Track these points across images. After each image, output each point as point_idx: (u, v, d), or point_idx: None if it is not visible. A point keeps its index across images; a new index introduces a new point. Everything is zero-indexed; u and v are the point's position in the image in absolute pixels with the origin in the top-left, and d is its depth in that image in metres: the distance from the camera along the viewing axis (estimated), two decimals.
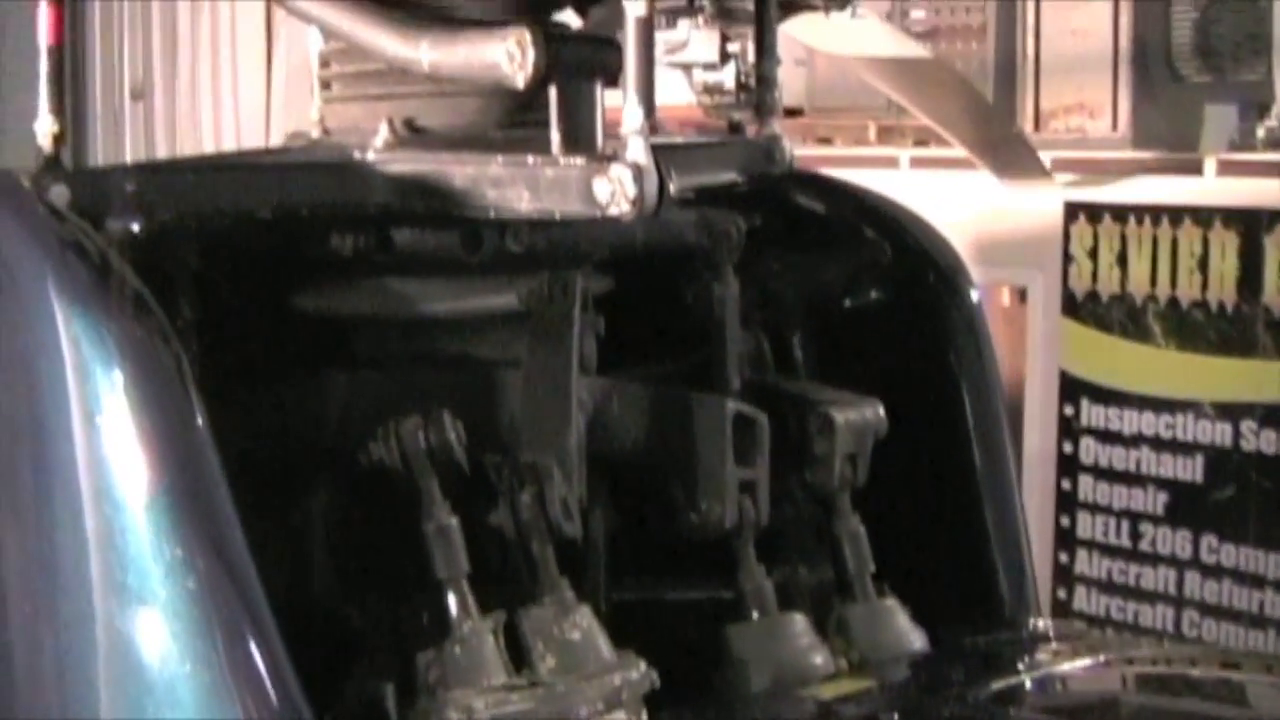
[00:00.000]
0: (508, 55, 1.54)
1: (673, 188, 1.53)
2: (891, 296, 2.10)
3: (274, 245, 1.71)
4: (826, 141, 6.67)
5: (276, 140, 8.42)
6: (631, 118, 1.49)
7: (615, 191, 1.50)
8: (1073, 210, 6.23)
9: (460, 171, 1.60)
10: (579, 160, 1.55)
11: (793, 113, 6.54)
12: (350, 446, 1.69)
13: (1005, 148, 6.09)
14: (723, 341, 1.86)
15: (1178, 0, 6.32)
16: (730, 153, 1.90)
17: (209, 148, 8.29)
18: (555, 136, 1.61)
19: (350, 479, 1.70)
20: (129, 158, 8.14)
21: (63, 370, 1.34)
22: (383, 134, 1.69)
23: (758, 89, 1.94)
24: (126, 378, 1.32)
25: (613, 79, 1.60)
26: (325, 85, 1.82)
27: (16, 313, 1.40)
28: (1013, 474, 2.10)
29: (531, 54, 1.53)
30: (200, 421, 1.35)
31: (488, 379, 1.73)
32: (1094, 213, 6.19)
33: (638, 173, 1.49)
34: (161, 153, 8.07)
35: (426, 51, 1.58)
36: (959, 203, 6.36)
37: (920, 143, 6.47)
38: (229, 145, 8.41)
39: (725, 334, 1.86)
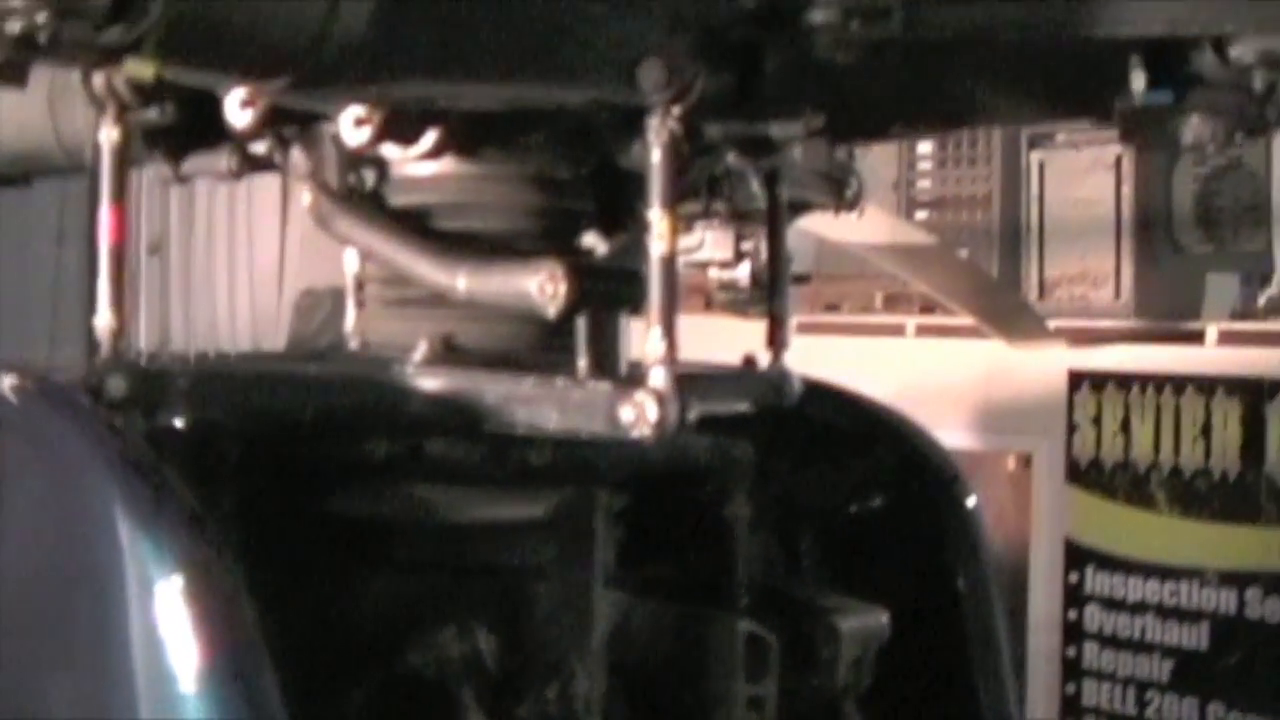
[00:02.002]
0: (539, 287, 1.62)
1: (691, 415, 1.60)
2: (894, 504, 2.18)
3: (313, 448, 1.78)
4: (834, 308, 6.75)
5: (290, 296, 8.52)
6: (654, 347, 1.57)
7: (638, 416, 1.58)
8: (1076, 378, 6.30)
9: (493, 389, 1.68)
10: (605, 385, 1.62)
11: (800, 279, 6.62)
12: (383, 649, 1.74)
13: (1012, 315, 6.17)
14: (733, 560, 1.93)
15: (1179, 171, 6.40)
16: (743, 384, 1.98)
17: (223, 303, 8.39)
18: (582, 361, 1.68)
19: (384, 681, 1.75)
20: (144, 311, 8.24)
21: (124, 579, 1.41)
22: (421, 350, 1.76)
23: (770, 327, 2.04)
24: (183, 590, 1.39)
25: (636, 309, 1.67)
26: (360, 305, 1.89)
27: (81, 524, 1.47)
28: (1011, 678, 2.16)
29: (563, 286, 1.61)
30: (251, 633, 1.41)
31: (514, 586, 1.79)
32: (1097, 381, 6.26)
33: (659, 399, 1.57)
34: (176, 307, 8.17)
35: (464, 280, 1.67)
36: (965, 370, 6.44)
37: (926, 310, 6.55)
38: (242, 302, 8.51)
39: (735, 553, 1.93)
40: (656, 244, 1.55)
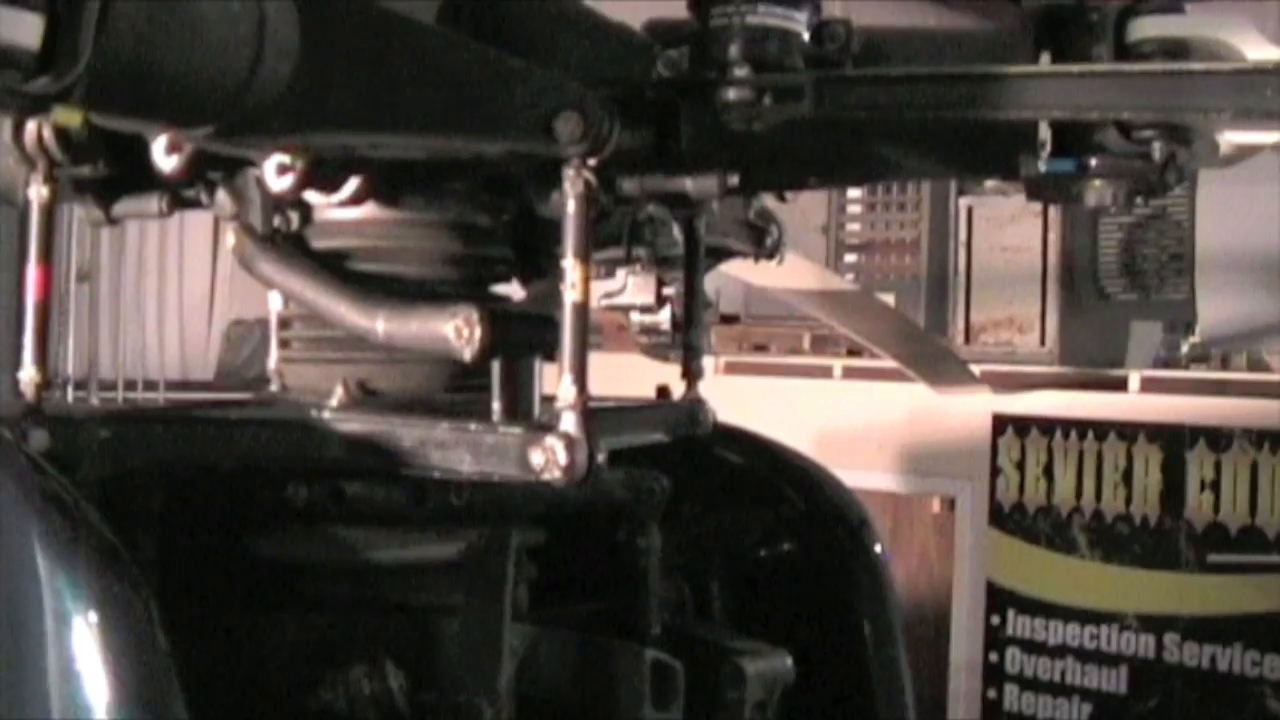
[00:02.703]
0: (456, 331, 1.64)
1: (601, 457, 1.63)
2: (803, 548, 2.20)
3: (232, 493, 1.79)
4: (762, 349, 6.81)
5: (220, 326, 8.49)
6: (566, 392, 1.60)
7: (549, 460, 1.61)
8: (1001, 423, 6.37)
9: (409, 434, 1.70)
10: (517, 429, 1.65)
11: (729, 319, 6.67)
12: (296, 686, 1.76)
13: (936, 361, 6.23)
14: (645, 591, 1.95)
15: (1104, 221, 6.49)
16: (657, 415, 2.01)
17: (152, 332, 8.35)
18: (496, 405, 1.71)
19: (296, 718, 1.76)
20: (72, 338, 8.20)
21: (41, 614, 1.42)
22: (338, 394, 1.78)
23: (685, 355, 2.06)
24: (98, 625, 1.41)
25: (550, 354, 1.70)
26: (284, 344, 1.91)
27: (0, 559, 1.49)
28: None
29: (478, 331, 1.64)
30: (168, 669, 1.43)
31: (426, 624, 1.81)
32: (1021, 426, 6.33)
33: (569, 444, 1.60)
34: (105, 334, 8.13)
35: (382, 324, 1.69)
36: (891, 413, 6.50)
37: (853, 353, 6.61)
38: (172, 331, 8.47)
39: (647, 584, 1.96)
40: (569, 292, 1.58)
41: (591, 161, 1.60)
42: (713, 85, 1.69)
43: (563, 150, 1.59)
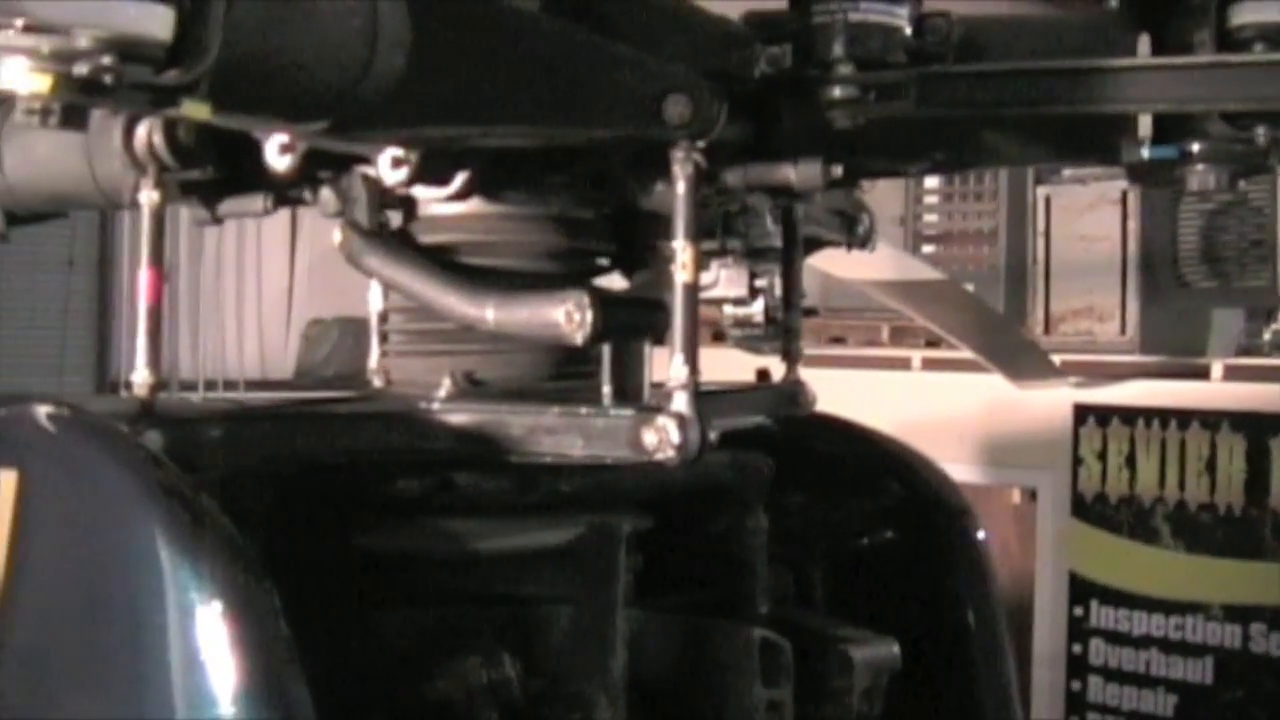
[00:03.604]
0: (567, 316, 1.66)
1: (713, 436, 1.65)
2: (905, 536, 2.21)
3: (343, 488, 1.82)
4: (839, 341, 6.78)
5: (298, 325, 8.54)
6: (677, 372, 1.62)
7: (662, 440, 1.63)
8: (1082, 413, 6.33)
9: (518, 421, 1.72)
10: (628, 411, 1.67)
11: (807, 313, 6.63)
12: (411, 676, 1.78)
13: (1016, 352, 6.20)
14: (751, 573, 1.97)
15: (1184, 208, 6.43)
16: (760, 397, 2.02)
17: (231, 332, 8.42)
18: (606, 389, 1.73)
19: (412, 707, 1.79)
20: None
21: (165, 606, 1.45)
22: (445, 386, 1.80)
23: (784, 337, 2.07)
24: (223, 614, 1.43)
25: (659, 337, 1.72)
26: (385, 338, 1.93)
27: (122, 554, 1.51)
28: (1019, 708, 2.20)
29: (589, 315, 1.66)
30: (291, 657, 1.45)
31: (538, 613, 1.84)
32: (1103, 416, 6.29)
33: (682, 423, 1.62)
34: (184, 335, 8.21)
35: (492, 312, 1.71)
36: (970, 404, 6.47)
37: (932, 344, 6.58)
38: (250, 329, 8.54)
39: (754, 566, 1.97)
40: (680, 274, 1.61)
41: (700, 144, 1.62)
42: (816, 82, 1.70)
43: (672, 132, 1.61)
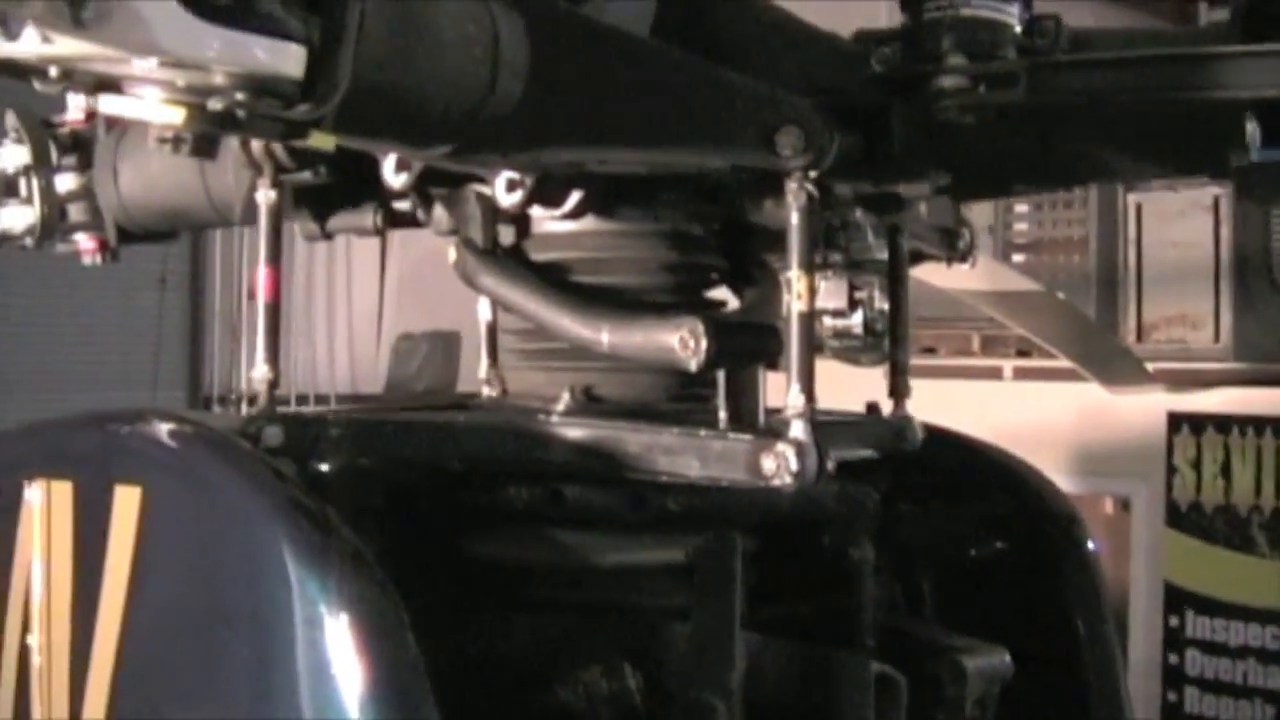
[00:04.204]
0: (681, 342, 1.67)
1: (830, 465, 1.65)
2: (1014, 547, 2.21)
3: (462, 496, 1.84)
4: (930, 351, 6.77)
5: (388, 340, 8.61)
6: (794, 400, 1.63)
7: (780, 465, 1.64)
8: (1176, 421, 6.28)
9: (635, 439, 1.73)
10: (746, 435, 1.68)
11: None
12: (533, 685, 1.80)
13: (1111, 360, 6.16)
14: (859, 601, 1.97)
15: (1276, 214, 6.37)
16: (869, 430, 2.02)
17: (322, 346, 8.51)
18: (722, 413, 1.74)
19: (536, 715, 1.80)
20: (244, 352, 8.37)
21: (291, 616, 1.47)
22: (564, 400, 1.82)
23: (891, 375, 2.07)
24: (351, 625, 1.45)
25: (772, 363, 1.73)
26: (495, 349, 1.95)
27: (245, 565, 1.54)
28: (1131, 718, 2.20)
29: (703, 342, 1.67)
30: (419, 671, 1.47)
31: (655, 626, 1.85)
32: (1197, 424, 6.24)
33: (800, 450, 1.63)
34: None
35: (607, 335, 1.72)
36: (1063, 413, 6.43)
37: (1023, 353, 6.56)
38: (341, 344, 8.62)
39: (861, 595, 1.97)
40: (795, 303, 1.62)
41: (812, 174, 1.63)
42: (927, 77, 1.71)
43: (785, 164, 1.62)
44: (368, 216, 1.88)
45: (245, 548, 1.55)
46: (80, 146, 2.08)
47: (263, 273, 1.75)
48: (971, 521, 2.22)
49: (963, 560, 2.22)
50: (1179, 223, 6.51)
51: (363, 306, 8.72)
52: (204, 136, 1.21)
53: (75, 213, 2.08)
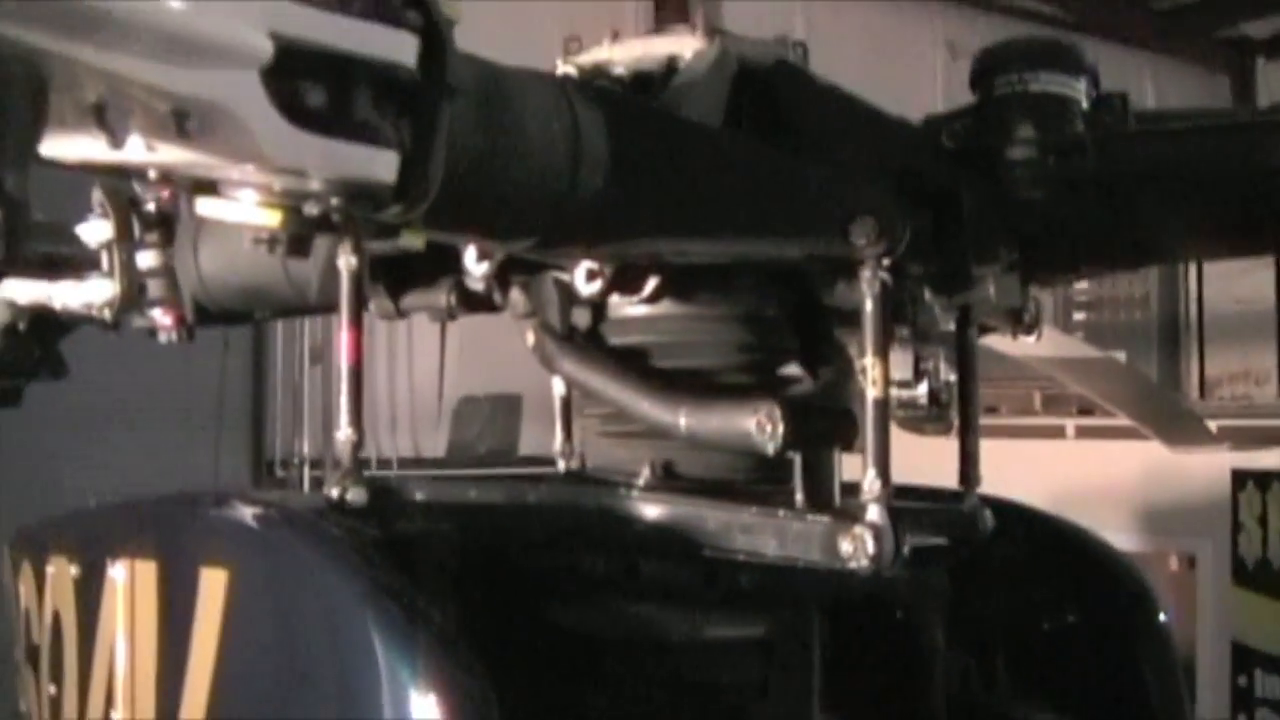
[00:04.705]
0: (759, 426, 1.70)
1: (905, 551, 1.68)
2: (1086, 620, 2.21)
3: (540, 568, 1.86)
4: (992, 410, 6.76)
5: (450, 403, 8.65)
6: (871, 484, 1.66)
7: (857, 548, 1.66)
8: (1240, 478, 6.25)
9: (714, 516, 1.76)
10: (824, 517, 1.71)
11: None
12: None
13: (1173, 419, 6.15)
14: (932, 681, 1.98)
15: None
16: (942, 517, 2.03)
17: (384, 409, 8.56)
18: (799, 495, 1.76)
19: None
20: (307, 419, 8.44)
21: (380, 705, 1.49)
22: (644, 475, 1.84)
23: (962, 462, 2.08)
24: (441, 711, 1.47)
25: (848, 445, 1.76)
26: (568, 424, 1.99)
27: (337, 652, 1.56)
28: None
29: (780, 426, 1.69)
30: None
31: (736, 703, 1.86)
32: (1262, 480, 6.20)
33: (877, 534, 1.65)
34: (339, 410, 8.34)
35: (684, 418, 1.75)
36: (1126, 471, 6.41)
37: (1085, 411, 6.54)
38: (403, 406, 8.68)
39: (934, 674, 1.98)
40: (870, 389, 1.64)
41: (886, 260, 1.66)
42: (997, 150, 1.74)
43: (860, 253, 1.65)
44: (442, 297, 1.91)
45: (333, 632, 1.58)
46: (163, 223, 2.12)
47: (344, 336, 1.78)
48: (1044, 595, 2.23)
49: (1036, 634, 2.22)
50: (1241, 279, 6.51)
51: (424, 368, 8.79)
52: (298, 236, 1.25)
53: (155, 289, 2.12)
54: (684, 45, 1.74)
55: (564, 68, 1.76)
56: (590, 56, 1.78)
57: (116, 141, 1.09)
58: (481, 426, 8.54)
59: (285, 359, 8.38)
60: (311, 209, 1.19)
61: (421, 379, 8.71)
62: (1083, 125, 1.78)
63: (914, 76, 12.01)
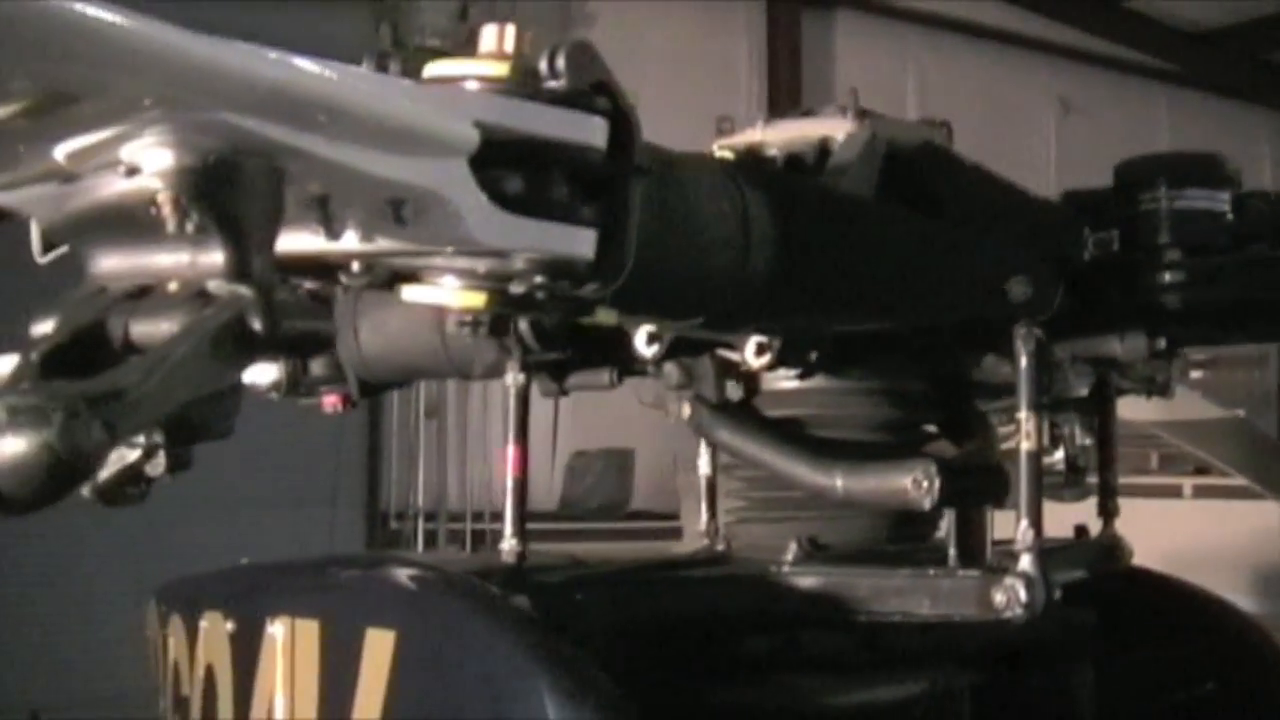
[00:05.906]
0: (914, 484, 1.75)
1: (1056, 594, 1.73)
2: (1223, 688, 2.23)
3: (698, 646, 1.91)
4: None
5: (562, 458, 8.65)
6: (1024, 535, 1.71)
7: (1010, 599, 1.71)
8: None
9: (864, 583, 1.83)
10: (975, 572, 1.77)
11: None
12: None
13: None
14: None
15: None
16: (1082, 552, 2.07)
17: (495, 464, 8.60)
18: (952, 551, 1.82)
19: None
20: (421, 473, 8.51)
21: None
22: (792, 550, 1.90)
23: (1100, 495, 2.13)
24: None
25: (999, 501, 1.81)
26: (713, 503, 2.04)
27: (505, 711, 1.60)
28: None
29: (935, 483, 1.75)
30: None
31: None
32: None
33: (1029, 583, 1.71)
34: (452, 467, 8.41)
35: (841, 480, 1.81)
36: (1246, 531, 6.34)
37: (1201, 471, 6.50)
38: None
39: (1084, 713, 2.02)
40: (1025, 442, 1.71)
41: (1040, 317, 1.72)
42: (1142, 266, 1.80)
43: (1016, 310, 1.71)
44: (603, 375, 1.97)
45: (504, 697, 1.61)
46: (321, 303, 2.18)
47: (511, 451, 1.84)
48: (1182, 664, 2.26)
49: (1174, 703, 2.25)
50: None
51: (536, 423, 8.80)
52: (501, 316, 1.30)
53: (317, 367, 2.18)
54: (836, 128, 1.80)
55: (719, 150, 1.82)
56: (744, 138, 1.85)
57: (334, 233, 1.15)
58: (594, 481, 8.58)
59: (400, 414, 8.46)
60: (516, 288, 1.24)
61: (534, 433, 8.75)
62: (1227, 238, 1.84)
63: (1027, 132, 12.00)
